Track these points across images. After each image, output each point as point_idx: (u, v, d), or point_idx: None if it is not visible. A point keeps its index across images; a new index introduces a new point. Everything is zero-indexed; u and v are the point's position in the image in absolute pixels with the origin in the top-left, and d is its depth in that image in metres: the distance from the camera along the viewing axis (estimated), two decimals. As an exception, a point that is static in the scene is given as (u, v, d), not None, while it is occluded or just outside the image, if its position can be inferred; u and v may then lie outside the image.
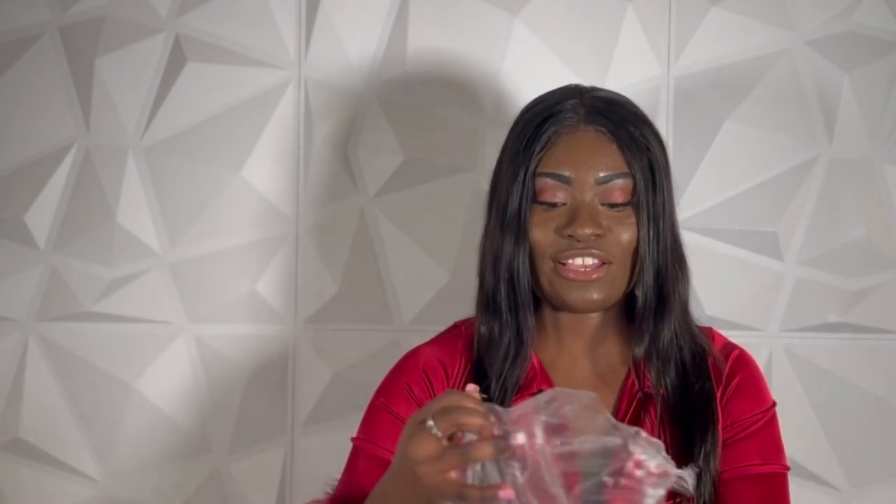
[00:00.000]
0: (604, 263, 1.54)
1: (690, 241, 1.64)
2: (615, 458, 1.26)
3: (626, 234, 1.54)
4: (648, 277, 1.56)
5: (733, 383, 1.60)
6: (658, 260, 1.56)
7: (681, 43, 2.11)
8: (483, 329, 1.60)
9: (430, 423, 1.25)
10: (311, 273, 2.12)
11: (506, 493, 1.23)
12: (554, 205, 1.54)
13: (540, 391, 1.57)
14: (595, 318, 1.60)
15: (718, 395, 1.59)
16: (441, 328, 1.70)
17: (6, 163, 2.11)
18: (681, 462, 1.55)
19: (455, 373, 1.62)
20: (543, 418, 1.24)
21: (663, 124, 2.07)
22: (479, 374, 1.59)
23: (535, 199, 1.55)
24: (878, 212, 2.11)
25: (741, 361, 1.63)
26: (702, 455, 1.56)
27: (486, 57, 2.10)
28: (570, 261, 1.53)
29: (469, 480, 1.24)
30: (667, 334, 1.58)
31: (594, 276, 1.54)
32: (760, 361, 1.76)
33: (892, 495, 2.12)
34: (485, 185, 2.06)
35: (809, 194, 2.11)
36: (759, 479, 1.58)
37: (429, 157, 2.11)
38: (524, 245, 1.55)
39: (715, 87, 2.11)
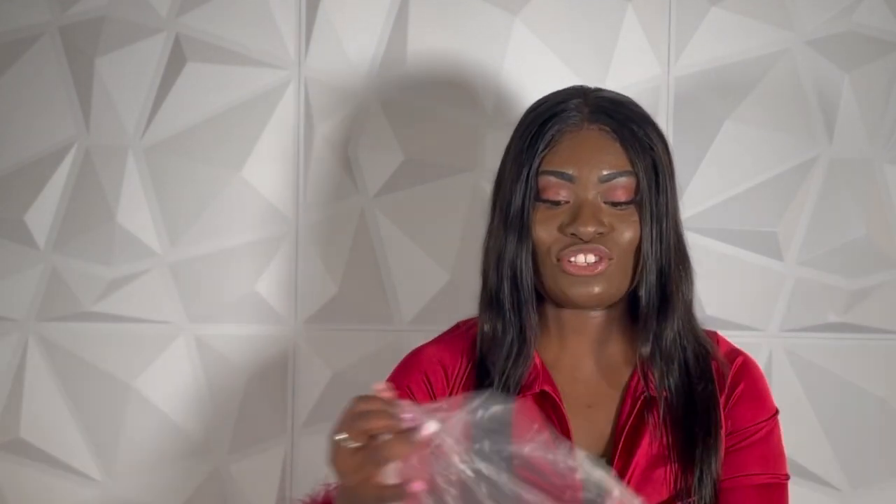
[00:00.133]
0: (605, 259, 1.54)
1: (690, 241, 1.64)
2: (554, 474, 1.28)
3: (629, 233, 1.55)
4: (651, 277, 1.56)
5: (737, 391, 1.60)
6: (661, 259, 1.56)
7: (681, 43, 2.11)
8: (486, 327, 1.60)
9: (343, 435, 1.26)
10: (311, 273, 2.12)
11: (417, 484, 1.24)
12: (557, 203, 1.54)
13: (542, 391, 1.57)
14: (598, 316, 1.60)
15: (722, 401, 1.59)
16: (441, 328, 1.70)
17: (6, 163, 2.11)
18: (683, 463, 1.56)
19: (456, 372, 1.62)
20: (465, 416, 1.26)
21: (663, 124, 2.07)
22: (481, 373, 1.60)
23: (538, 197, 1.55)
24: (878, 212, 2.11)
25: (745, 369, 1.63)
26: (703, 457, 1.56)
27: (486, 57, 2.10)
28: (572, 258, 1.53)
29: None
30: (670, 334, 1.58)
31: (598, 269, 1.54)
32: (760, 361, 1.76)
33: (892, 495, 2.12)
34: (485, 185, 2.07)
35: (809, 194, 2.11)
36: (759, 490, 1.58)
37: (429, 157, 2.11)
38: (527, 243, 1.55)
39: (715, 87, 2.11)
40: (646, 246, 1.55)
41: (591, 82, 1.66)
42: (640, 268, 1.56)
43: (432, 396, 1.60)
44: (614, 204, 1.54)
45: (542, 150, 1.55)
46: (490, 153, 2.09)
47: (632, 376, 1.60)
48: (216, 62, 2.11)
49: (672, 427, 1.57)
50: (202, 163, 2.11)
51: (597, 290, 1.54)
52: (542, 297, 1.60)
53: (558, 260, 1.54)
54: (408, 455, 1.25)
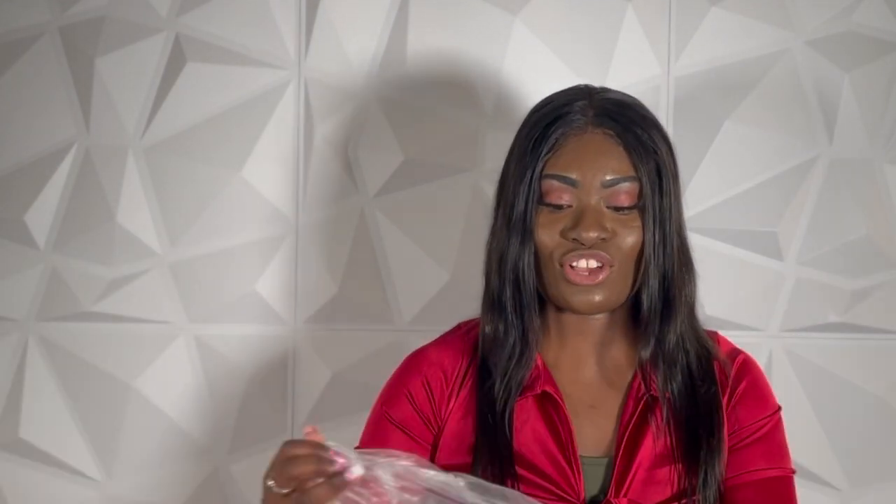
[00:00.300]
0: (606, 266, 1.54)
1: (691, 240, 1.64)
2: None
3: (631, 238, 1.54)
4: (654, 281, 1.56)
5: (739, 389, 1.61)
6: (664, 264, 1.56)
7: (681, 43, 2.11)
8: (488, 329, 1.60)
9: (270, 482, 1.31)
10: (311, 273, 2.12)
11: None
12: (560, 207, 1.54)
13: (544, 392, 1.57)
14: (600, 319, 1.60)
15: (724, 400, 1.59)
16: (441, 328, 1.70)
17: (6, 163, 2.11)
18: (687, 464, 1.56)
19: (456, 374, 1.62)
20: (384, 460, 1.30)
21: (663, 124, 2.06)
22: (483, 374, 1.59)
23: (541, 200, 1.54)
24: (878, 212, 2.11)
25: (746, 367, 1.63)
26: (707, 458, 1.56)
27: (486, 57, 2.10)
28: (574, 263, 1.53)
29: None
30: (672, 337, 1.58)
31: (599, 277, 1.53)
32: (760, 361, 1.76)
33: (893, 495, 2.12)
34: (485, 185, 2.07)
35: (809, 194, 2.11)
36: (766, 484, 1.58)
37: (429, 157, 2.11)
38: (530, 246, 1.55)
39: (715, 87, 2.11)
40: (648, 251, 1.55)
41: (592, 82, 1.65)
42: (642, 272, 1.56)
43: (431, 400, 1.60)
44: (617, 209, 1.54)
45: (546, 154, 1.54)
46: (490, 153, 2.09)
47: (634, 378, 1.60)
48: (216, 62, 2.11)
49: (676, 428, 1.57)
50: (202, 163, 2.11)
51: (598, 298, 1.54)
52: (544, 298, 1.60)
53: (561, 265, 1.54)
54: (333, 498, 1.28)
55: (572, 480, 1.54)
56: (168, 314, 2.12)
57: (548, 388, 1.57)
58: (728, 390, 1.60)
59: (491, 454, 1.54)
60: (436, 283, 2.11)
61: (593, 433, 1.58)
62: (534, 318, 1.58)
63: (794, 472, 1.61)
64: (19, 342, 2.12)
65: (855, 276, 2.12)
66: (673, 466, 1.56)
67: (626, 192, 1.54)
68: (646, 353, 1.58)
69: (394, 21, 2.11)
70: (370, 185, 2.11)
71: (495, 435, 1.55)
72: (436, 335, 1.69)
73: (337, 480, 1.28)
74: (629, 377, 1.60)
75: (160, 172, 2.11)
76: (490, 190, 1.64)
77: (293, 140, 2.11)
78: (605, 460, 1.56)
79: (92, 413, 2.11)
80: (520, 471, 1.54)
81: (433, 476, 1.31)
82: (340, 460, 1.29)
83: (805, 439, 2.08)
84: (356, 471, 1.29)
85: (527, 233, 1.55)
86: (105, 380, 2.11)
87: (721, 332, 1.67)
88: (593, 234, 1.52)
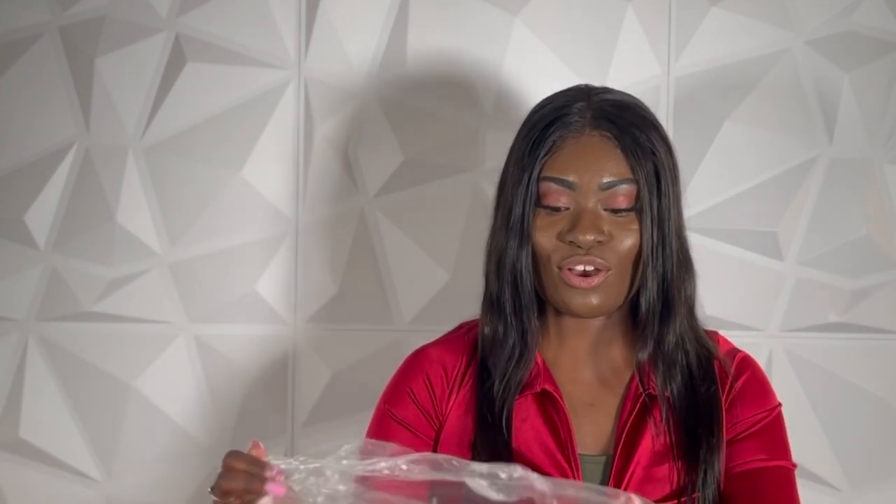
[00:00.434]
0: (603, 270, 1.54)
1: (690, 240, 1.64)
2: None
3: (629, 240, 1.54)
4: (652, 283, 1.56)
5: (738, 384, 1.61)
6: (663, 265, 1.56)
7: (681, 43, 2.11)
8: (487, 330, 1.61)
9: (209, 490, 1.39)
10: (311, 273, 2.12)
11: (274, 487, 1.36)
12: (557, 209, 1.54)
13: (543, 390, 1.57)
14: (599, 320, 1.60)
15: (724, 397, 1.60)
16: (441, 328, 1.70)
17: (6, 163, 2.11)
18: (686, 462, 1.56)
19: (455, 372, 1.62)
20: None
21: (663, 124, 2.06)
22: (483, 374, 1.60)
23: (538, 202, 1.55)
24: (878, 212, 2.11)
25: (745, 364, 1.63)
26: (706, 456, 1.56)
27: (486, 57, 2.10)
28: (572, 266, 1.53)
29: None
30: (671, 339, 1.58)
31: (594, 282, 1.54)
32: (761, 361, 1.76)
33: (893, 495, 2.12)
34: (485, 185, 2.07)
35: (809, 194, 2.11)
36: (763, 473, 1.58)
37: (429, 157, 2.11)
38: (527, 248, 1.55)
39: (715, 87, 2.11)
40: (646, 253, 1.55)
41: (592, 82, 1.65)
42: (640, 274, 1.56)
43: (433, 397, 1.61)
44: (615, 211, 1.54)
45: (544, 156, 1.54)
46: (490, 153, 2.09)
47: (632, 378, 1.60)
48: (216, 62, 2.11)
49: (675, 427, 1.57)
50: (202, 163, 2.11)
51: (595, 301, 1.54)
52: (543, 299, 1.60)
53: (559, 269, 1.54)
54: None
55: (571, 478, 1.54)
56: (168, 314, 2.12)
57: (547, 387, 1.58)
58: (727, 387, 1.60)
59: (490, 452, 1.55)
60: (436, 283, 2.11)
61: (592, 431, 1.58)
62: (532, 319, 1.58)
63: (794, 466, 1.60)
64: (19, 342, 2.12)
65: (855, 276, 2.12)
66: (671, 465, 1.56)
67: (623, 195, 1.54)
68: (643, 355, 1.59)
69: (394, 21, 2.11)
70: (370, 185, 2.11)
71: (494, 433, 1.56)
72: (436, 335, 1.69)
73: (250, 497, 1.36)
74: (628, 377, 1.61)
75: (160, 172, 2.11)
76: (490, 190, 1.65)
77: (293, 140, 2.11)
78: (604, 458, 1.57)
79: (92, 413, 2.11)
80: None
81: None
82: (272, 473, 1.36)
83: (805, 439, 2.08)
84: (275, 488, 1.36)
85: (525, 235, 1.55)
86: (105, 380, 2.11)
87: (721, 332, 1.68)
88: (590, 237, 1.52)
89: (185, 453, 2.12)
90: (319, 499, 1.34)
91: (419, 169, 2.11)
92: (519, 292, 1.57)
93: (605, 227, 1.53)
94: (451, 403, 1.61)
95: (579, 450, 1.56)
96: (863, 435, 2.11)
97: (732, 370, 1.61)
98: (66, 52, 2.11)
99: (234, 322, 2.12)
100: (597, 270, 1.53)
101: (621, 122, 1.55)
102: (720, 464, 1.57)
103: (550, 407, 1.57)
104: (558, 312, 1.60)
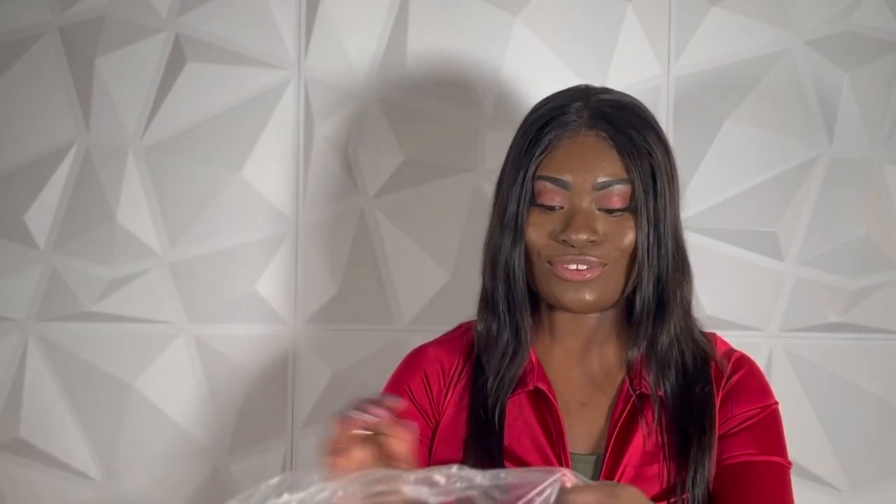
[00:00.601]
0: (596, 266, 1.54)
1: (690, 241, 1.64)
2: None
3: (624, 239, 1.55)
4: (647, 283, 1.56)
5: (732, 380, 1.61)
6: (658, 265, 1.56)
7: (681, 43, 2.11)
8: (481, 327, 1.62)
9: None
10: (311, 273, 2.12)
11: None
12: (552, 208, 1.55)
13: (536, 388, 1.58)
14: (592, 318, 1.61)
15: (719, 394, 1.60)
16: (441, 328, 1.71)
17: (6, 163, 2.11)
18: (677, 462, 1.56)
19: (453, 371, 1.63)
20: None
21: (663, 124, 2.05)
22: (477, 371, 1.61)
23: (533, 201, 1.55)
24: (878, 212, 2.11)
25: (741, 362, 1.63)
26: (697, 456, 1.56)
27: (486, 57, 2.10)
28: (564, 265, 1.54)
29: None
30: (665, 339, 1.58)
31: (588, 276, 1.54)
32: (760, 361, 1.76)
33: (893, 495, 2.12)
34: (485, 184, 2.07)
35: (809, 194, 2.11)
36: (754, 466, 1.57)
37: (429, 157, 2.11)
38: (520, 246, 1.56)
39: (715, 87, 2.11)
40: (641, 252, 1.55)
41: (591, 82, 1.65)
42: (635, 274, 1.56)
43: (429, 394, 1.62)
44: (609, 211, 1.54)
45: (539, 155, 1.55)
46: (490, 153, 2.09)
47: (625, 378, 1.60)
48: (216, 62, 2.11)
49: (667, 427, 1.57)
50: (202, 163, 2.11)
51: (588, 297, 1.55)
52: (537, 296, 1.60)
53: (550, 263, 1.55)
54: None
55: (563, 477, 1.54)
56: (168, 314, 2.12)
57: (540, 385, 1.58)
58: (723, 384, 1.60)
59: (482, 449, 1.56)
60: (436, 283, 2.11)
61: (584, 430, 1.58)
62: (525, 316, 1.59)
63: (790, 464, 1.60)
64: (19, 342, 2.12)
65: (855, 276, 2.12)
66: (662, 464, 1.56)
67: (617, 195, 1.54)
68: (633, 354, 1.59)
69: (394, 21, 2.11)
70: (370, 185, 2.11)
71: (486, 430, 1.56)
72: (436, 335, 1.69)
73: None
74: (620, 377, 1.61)
75: (160, 172, 2.12)
76: (490, 190, 1.65)
77: (293, 140, 2.12)
78: (595, 457, 1.57)
79: (92, 413, 2.11)
80: (510, 466, 1.55)
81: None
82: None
83: (805, 439, 2.08)
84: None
85: (518, 233, 1.55)
86: (105, 380, 2.11)
87: (721, 332, 1.68)
88: (583, 237, 1.52)
89: (185, 453, 2.12)
90: None
91: (419, 169, 2.11)
92: (512, 290, 1.58)
93: (599, 226, 1.54)
94: (446, 400, 1.61)
95: (571, 448, 1.57)
96: (863, 435, 2.11)
97: (728, 368, 1.61)
98: (66, 52, 2.11)
99: (234, 322, 2.12)
100: (591, 267, 1.53)
101: (618, 122, 1.55)
102: (711, 463, 1.56)
103: (543, 405, 1.58)
104: (552, 310, 1.61)
